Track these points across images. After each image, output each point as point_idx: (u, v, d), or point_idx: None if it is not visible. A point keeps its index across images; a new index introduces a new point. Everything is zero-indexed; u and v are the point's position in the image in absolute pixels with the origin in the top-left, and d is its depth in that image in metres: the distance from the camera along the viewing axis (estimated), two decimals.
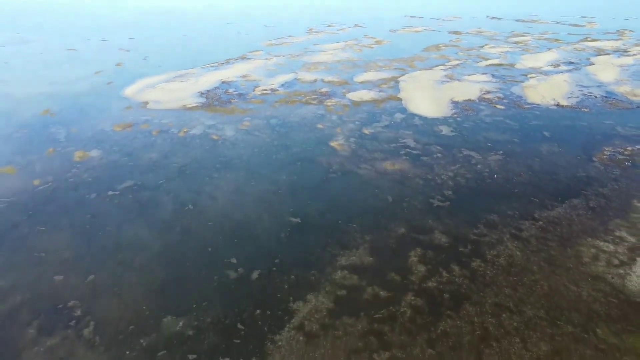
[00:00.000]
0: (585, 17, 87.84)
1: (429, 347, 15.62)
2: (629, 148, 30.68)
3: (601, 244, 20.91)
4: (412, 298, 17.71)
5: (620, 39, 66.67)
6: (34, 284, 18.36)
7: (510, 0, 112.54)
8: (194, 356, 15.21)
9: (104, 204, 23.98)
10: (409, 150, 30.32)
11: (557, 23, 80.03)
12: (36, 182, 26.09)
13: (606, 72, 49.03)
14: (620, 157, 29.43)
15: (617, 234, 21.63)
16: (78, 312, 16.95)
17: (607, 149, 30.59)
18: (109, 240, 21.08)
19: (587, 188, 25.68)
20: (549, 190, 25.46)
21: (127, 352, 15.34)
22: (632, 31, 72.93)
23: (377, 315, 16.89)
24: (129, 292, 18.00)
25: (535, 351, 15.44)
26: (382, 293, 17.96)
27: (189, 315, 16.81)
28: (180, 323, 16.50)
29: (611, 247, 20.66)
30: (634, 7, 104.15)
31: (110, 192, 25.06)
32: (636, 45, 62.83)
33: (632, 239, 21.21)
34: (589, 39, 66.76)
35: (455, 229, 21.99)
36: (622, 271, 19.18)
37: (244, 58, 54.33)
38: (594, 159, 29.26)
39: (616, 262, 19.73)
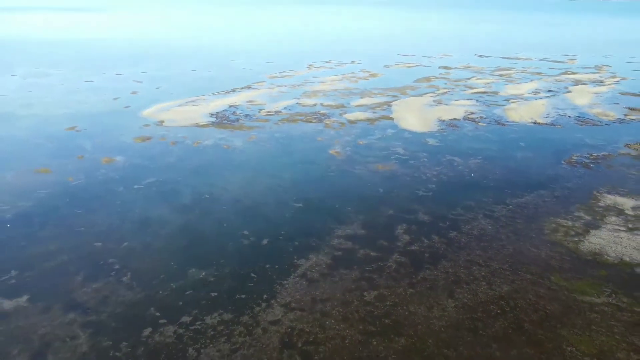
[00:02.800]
0: (567, 54, 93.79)
1: (410, 288, 18.85)
2: (594, 154, 34.47)
3: (561, 220, 24.36)
4: (398, 256, 21.03)
5: (598, 73, 71.80)
6: (77, 248, 21.65)
7: (497, 39, 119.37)
8: (216, 294, 18.40)
9: (131, 194, 27.50)
10: (398, 156, 34.08)
11: (541, 60, 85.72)
12: (70, 179, 29.66)
13: (581, 98, 53.50)
14: (586, 160, 33.18)
15: (576, 214, 25.11)
16: (116, 266, 20.21)
17: (575, 155, 34.37)
18: (137, 218, 24.49)
19: (554, 183, 29.30)
20: (520, 184, 29.08)
21: (160, 292, 18.53)
22: (609, 66, 78.29)
23: (367, 268, 20.17)
24: (158, 253, 21.31)
25: (498, 290, 18.68)
26: (372, 253, 21.28)
27: (210, 268, 20.07)
28: (203, 273, 19.75)
29: (569, 223, 24.10)
30: (613, 46, 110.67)
31: (136, 186, 28.61)
32: (612, 77, 67.87)
33: (588, 217, 24.68)
34: (569, 72, 71.90)
35: (436, 210, 25.47)
36: (576, 239, 22.57)
37: (249, 87, 58.95)
38: (563, 162, 33.01)
39: (572, 233, 23.14)
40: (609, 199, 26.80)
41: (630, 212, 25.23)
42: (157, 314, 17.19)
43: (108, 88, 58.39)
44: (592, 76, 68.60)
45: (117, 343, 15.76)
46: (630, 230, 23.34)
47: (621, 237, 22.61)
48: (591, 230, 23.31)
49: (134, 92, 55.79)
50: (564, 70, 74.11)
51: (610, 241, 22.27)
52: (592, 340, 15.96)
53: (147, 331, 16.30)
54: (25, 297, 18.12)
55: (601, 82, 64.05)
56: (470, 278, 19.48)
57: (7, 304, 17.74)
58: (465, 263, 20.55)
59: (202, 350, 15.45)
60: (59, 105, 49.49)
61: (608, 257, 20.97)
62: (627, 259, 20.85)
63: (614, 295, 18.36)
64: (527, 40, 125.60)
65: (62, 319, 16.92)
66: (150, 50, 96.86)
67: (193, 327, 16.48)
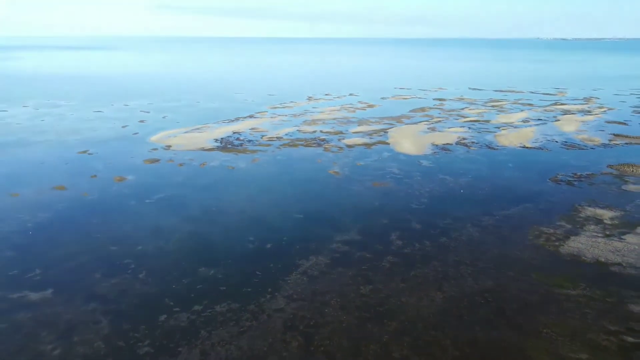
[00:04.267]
0: (557, 88, 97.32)
1: (402, 282, 20.57)
2: (578, 173, 36.55)
3: (544, 228, 26.21)
4: (391, 258, 22.80)
5: (586, 104, 74.75)
6: (95, 251, 23.42)
7: (490, 75, 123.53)
8: (224, 288, 20.09)
9: (142, 207, 29.42)
10: (393, 175, 36.16)
11: (532, 92, 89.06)
12: (85, 194, 31.62)
13: (569, 126, 56.06)
14: (570, 179, 35.23)
15: (558, 223, 26.97)
16: (132, 266, 21.95)
17: (559, 174, 36.44)
18: (149, 226, 26.33)
19: (538, 197, 31.28)
20: (507, 199, 31.04)
21: (173, 286, 20.24)
22: (598, 98, 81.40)
23: (363, 267, 21.92)
24: (170, 255, 23.07)
25: (483, 285, 20.40)
26: (368, 255, 23.06)
27: (218, 267, 21.81)
28: (212, 271, 21.48)
29: (551, 230, 25.95)
30: (602, 80, 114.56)
31: (147, 200, 30.55)
32: (599, 107, 70.74)
33: (569, 226, 26.54)
34: (558, 104, 74.87)
35: (428, 220, 27.35)
36: (557, 243, 24.37)
37: (251, 117, 61.61)
38: (548, 180, 35.06)
39: (553, 238, 24.96)
40: (589, 211, 28.71)
41: (609, 222, 27.10)
42: (171, 303, 18.87)
43: (117, 117, 61.01)
44: (580, 107, 71.49)
45: (135, 326, 17.40)
46: (607, 236, 25.16)
47: (598, 242, 24.42)
48: (571, 237, 25.13)
49: (141, 121, 58.34)
50: (554, 102, 77.12)
51: (588, 245, 24.07)
52: (566, 324, 17.61)
53: (162, 317, 17.96)
54: (49, 290, 19.81)
55: (589, 111, 66.86)
56: (458, 275, 21.21)
57: (34, 296, 19.42)
58: (453, 263, 22.31)
59: (213, 332, 17.08)
60: (71, 132, 51.88)
61: (585, 258, 22.73)
62: (603, 259, 22.62)
63: (588, 288, 20.07)
64: (520, 75, 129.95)
65: (84, 308, 18.59)
66: (155, 85, 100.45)
67: (204, 314, 18.14)
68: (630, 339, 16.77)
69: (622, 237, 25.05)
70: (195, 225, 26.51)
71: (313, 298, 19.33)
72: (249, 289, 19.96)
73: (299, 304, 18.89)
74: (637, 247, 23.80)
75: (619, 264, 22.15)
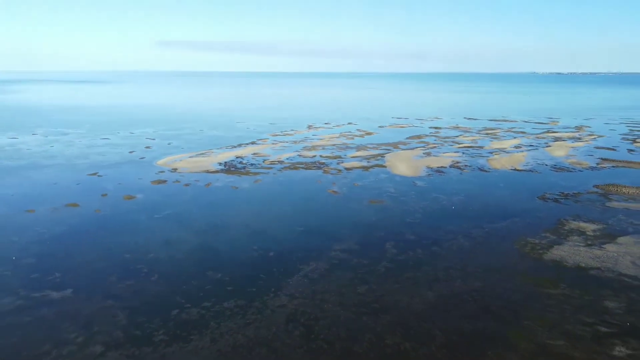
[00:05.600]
0: (550, 117, 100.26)
1: (396, 284, 22.19)
2: (564, 192, 38.41)
3: (530, 239, 27.92)
4: (386, 263, 24.45)
5: (577, 132, 77.28)
6: (109, 258, 25.07)
7: (485, 105, 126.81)
8: (231, 288, 21.69)
9: (152, 221, 31.17)
10: (389, 194, 38.02)
11: (525, 122, 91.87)
12: (97, 210, 33.41)
13: (559, 151, 58.28)
14: (557, 197, 37.07)
15: (543, 235, 28.69)
16: (145, 270, 23.57)
17: (547, 193, 38.30)
18: (160, 237, 28.03)
19: (526, 213, 33.07)
20: (496, 214, 32.83)
21: (184, 287, 21.84)
22: (589, 127, 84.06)
23: (360, 271, 23.56)
24: (180, 261, 24.73)
25: (471, 286, 22.01)
26: (364, 261, 24.72)
27: (225, 271, 23.44)
28: (219, 274, 23.10)
29: (537, 241, 27.66)
30: (594, 110, 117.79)
31: (156, 215, 32.31)
32: (589, 135, 73.20)
33: (553, 237, 28.25)
34: (550, 132, 77.40)
35: (421, 232, 29.09)
36: (541, 252, 26.06)
37: (253, 143, 63.92)
38: (536, 198, 36.90)
39: (538, 247, 26.65)
40: (574, 224, 30.47)
41: (591, 233, 28.83)
42: (182, 300, 20.45)
43: (123, 144, 63.28)
44: (571, 134, 73.98)
45: (150, 319, 18.96)
46: (588, 245, 26.86)
47: (580, 250, 26.11)
48: (555, 246, 26.82)
49: (147, 147, 60.56)
50: (546, 130, 79.71)
51: (570, 253, 25.75)
52: (546, 317, 19.18)
53: (175, 312, 19.52)
54: (69, 290, 21.41)
55: (579, 138, 69.28)
56: (448, 278, 22.84)
57: (55, 294, 21.01)
58: (444, 268, 23.95)
59: (221, 324, 18.63)
60: (80, 156, 54.00)
61: (567, 264, 24.39)
62: (583, 265, 24.27)
63: (568, 288, 21.68)
64: (514, 106, 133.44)
65: (102, 304, 20.17)
66: (159, 115, 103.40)
67: (213, 309, 19.71)
68: (604, 329, 18.33)
69: (603, 246, 26.74)
70: (203, 237, 28.23)
71: (313, 296, 20.91)
72: (254, 289, 21.56)
73: (300, 301, 20.48)
74: (615, 255, 25.48)
75: (598, 268, 23.79)
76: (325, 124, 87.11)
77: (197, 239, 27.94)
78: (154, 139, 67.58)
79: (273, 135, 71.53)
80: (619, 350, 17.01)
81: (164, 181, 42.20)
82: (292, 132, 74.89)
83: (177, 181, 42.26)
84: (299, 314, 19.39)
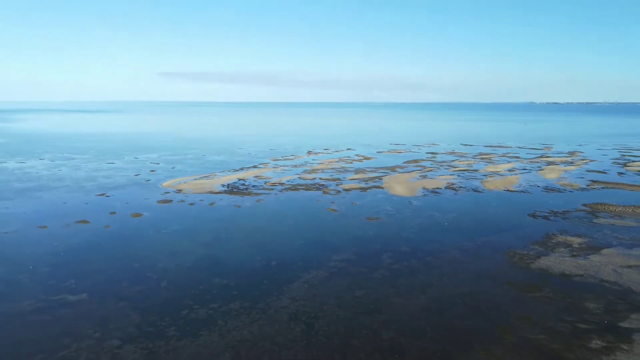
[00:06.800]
0: (544, 144, 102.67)
1: (391, 288, 23.66)
2: (554, 210, 40.05)
3: (518, 251, 29.46)
4: (382, 271, 25.95)
5: (570, 157, 79.38)
6: (120, 267, 26.55)
7: (482, 133, 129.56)
8: (236, 292, 23.14)
9: (160, 235, 32.72)
10: (386, 211, 39.66)
11: (520, 147, 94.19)
12: (107, 226, 34.99)
13: (551, 174, 60.15)
14: (546, 214, 38.70)
15: (531, 247, 30.24)
16: (154, 277, 25.04)
17: (538, 211, 39.94)
18: (167, 249, 29.56)
19: (516, 228, 34.66)
20: (488, 230, 34.42)
21: (192, 291, 23.29)
22: (582, 152, 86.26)
23: (357, 278, 25.04)
24: (188, 270, 26.21)
25: (462, 290, 23.48)
26: (362, 270, 26.22)
27: (230, 278, 24.91)
28: (225, 280, 24.57)
29: (525, 252, 29.19)
30: (588, 137, 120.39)
31: (163, 230, 33.88)
32: (582, 160, 75.25)
33: (541, 249, 29.79)
34: (544, 157, 79.49)
35: (415, 245, 30.63)
36: (529, 261, 27.57)
37: (255, 167, 65.85)
38: (526, 215, 38.52)
39: (526, 258, 28.17)
40: (561, 238, 32.03)
41: (577, 246, 30.37)
42: (191, 302, 21.89)
43: (129, 168, 65.20)
44: (564, 159, 76.05)
45: (161, 317, 20.38)
46: (573, 256, 28.38)
47: (565, 260, 27.62)
48: (542, 256, 28.34)
49: (152, 170, 62.45)
50: (540, 155, 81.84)
51: (556, 262, 27.26)
52: (530, 316, 20.61)
53: (184, 312, 20.95)
54: (84, 295, 22.85)
55: (572, 162, 71.29)
56: (440, 284, 24.31)
57: (71, 297, 22.45)
58: (436, 275, 25.44)
59: (228, 322, 20.05)
60: (87, 179, 55.80)
61: (552, 272, 25.88)
62: (567, 272, 25.76)
63: (552, 292, 23.14)
64: (509, 133, 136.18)
65: (115, 306, 21.61)
66: (162, 142, 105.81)
67: (220, 310, 21.15)
68: (582, 326, 19.75)
69: (587, 256, 28.27)
70: (208, 249, 29.75)
71: (313, 299, 22.36)
72: (258, 293, 23.01)
73: (301, 303, 21.92)
74: (598, 264, 26.98)
75: (581, 275, 25.28)
76: (325, 149, 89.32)
77: (202, 250, 29.46)
78: (158, 163, 69.52)
79: (274, 160, 73.53)
80: (595, 343, 18.42)
81: (170, 201, 43.86)
82: (292, 157, 76.96)
83: (182, 201, 43.92)
84: (300, 314, 20.82)
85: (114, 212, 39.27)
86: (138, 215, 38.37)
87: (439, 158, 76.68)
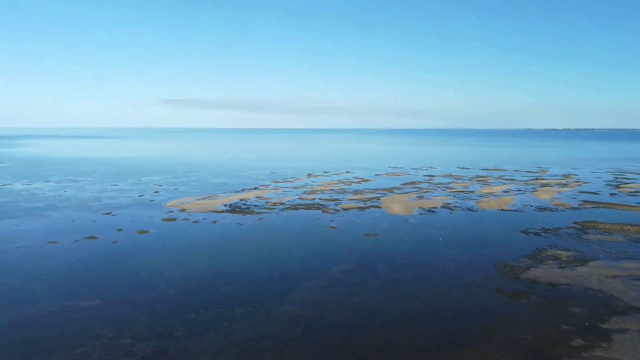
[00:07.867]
0: (540, 167, 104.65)
1: (387, 295, 25.00)
2: (545, 227, 41.51)
3: (509, 262, 30.84)
4: (379, 281, 27.30)
5: (564, 179, 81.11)
6: (128, 277, 27.90)
7: (478, 157, 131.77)
8: (240, 299, 24.46)
9: (165, 249, 34.11)
10: (383, 228, 41.11)
11: (515, 170, 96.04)
12: (114, 242, 36.39)
13: (545, 194, 61.74)
14: (538, 231, 40.14)
15: (521, 259, 31.62)
16: (162, 286, 26.38)
17: (529, 228, 41.39)
18: (173, 262, 30.92)
19: (507, 243, 36.09)
20: (481, 244, 35.84)
21: (198, 298, 24.61)
22: (576, 175, 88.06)
23: (355, 286, 26.39)
24: (194, 279, 27.56)
25: (454, 296, 24.81)
26: (359, 279, 27.58)
27: (234, 286, 26.25)
28: (229, 289, 25.91)
29: (515, 264, 30.56)
30: (584, 161, 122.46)
31: (168, 245, 35.28)
32: (576, 182, 76.95)
33: (530, 261, 31.17)
34: (539, 179, 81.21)
35: (411, 258, 32.03)
36: (518, 272, 28.93)
37: (256, 188, 67.47)
38: (519, 232, 39.96)
39: (516, 269, 29.54)
40: (550, 252, 33.42)
41: (565, 259, 31.75)
42: (197, 307, 23.21)
43: (133, 189, 66.81)
44: (559, 181, 77.76)
45: (170, 320, 21.69)
46: (561, 268, 29.75)
47: (553, 271, 28.98)
48: (531, 268, 29.70)
49: (156, 192, 64.05)
50: (535, 177, 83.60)
51: (544, 273, 28.62)
52: (518, 319, 21.93)
53: (192, 315, 22.26)
54: (97, 301, 24.17)
55: (565, 184, 72.98)
56: (435, 290, 25.66)
57: (84, 303, 23.76)
58: (431, 284, 26.79)
59: (233, 324, 21.35)
60: (93, 199, 57.34)
61: (540, 281, 27.22)
62: (555, 282, 27.10)
63: (539, 298, 24.47)
64: (506, 157, 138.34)
65: (127, 309, 22.92)
66: (165, 165, 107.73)
67: (225, 314, 22.45)
68: (566, 327, 21.06)
69: (574, 268, 29.63)
70: (212, 261, 31.12)
71: (313, 305, 23.68)
72: (260, 299, 24.34)
73: (301, 308, 23.24)
74: (584, 274, 28.34)
75: (568, 284, 26.63)
76: (325, 172, 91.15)
77: (207, 262, 30.82)
78: (161, 185, 71.16)
79: (274, 182, 75.20)
80: (577, 341, 19.71)
81: (174, 219, 45.33)
82: (292, 180, 78.66)
83: (186, 219, 45.38)
84: (301, 317, 22.13)
85: (121, 229, 40.69)
86: (144, 231, 39.78)
87: (435, 180, 78.40)
